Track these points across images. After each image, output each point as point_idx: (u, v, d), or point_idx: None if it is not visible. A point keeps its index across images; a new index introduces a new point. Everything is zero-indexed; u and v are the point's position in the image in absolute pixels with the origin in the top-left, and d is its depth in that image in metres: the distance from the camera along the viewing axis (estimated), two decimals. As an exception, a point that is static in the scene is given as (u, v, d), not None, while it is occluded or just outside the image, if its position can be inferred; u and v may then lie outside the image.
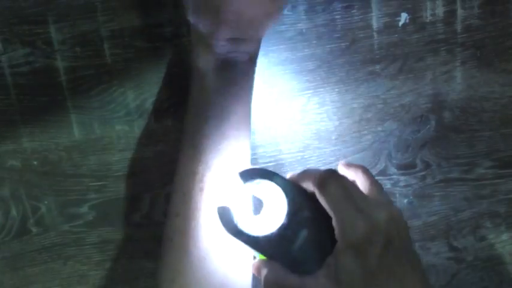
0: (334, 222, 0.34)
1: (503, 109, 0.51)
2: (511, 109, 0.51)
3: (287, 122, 0.50)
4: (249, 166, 0.43)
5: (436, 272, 0.55)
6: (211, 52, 0.40)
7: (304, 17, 0.47)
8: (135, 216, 0.50)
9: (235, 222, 0.36)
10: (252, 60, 0.43)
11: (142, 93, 0.48)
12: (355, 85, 0.49)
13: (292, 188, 0.36)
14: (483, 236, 0.54)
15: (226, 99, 0.41)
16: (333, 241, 0.34)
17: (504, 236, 0.55)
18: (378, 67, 0.49)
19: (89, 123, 0.48)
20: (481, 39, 0.49)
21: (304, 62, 0.48)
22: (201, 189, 0.41)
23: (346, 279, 0.33)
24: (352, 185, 0.36)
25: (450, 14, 0.49)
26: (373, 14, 0.48)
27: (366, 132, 0.51)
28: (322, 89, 0.49)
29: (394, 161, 0.51)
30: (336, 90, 0.49)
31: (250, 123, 0.43)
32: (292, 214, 0.36)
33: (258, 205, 0.40)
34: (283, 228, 0.36)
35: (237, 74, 0.42)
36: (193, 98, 0.43)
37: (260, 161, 0.50)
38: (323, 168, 0.37)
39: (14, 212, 0.49)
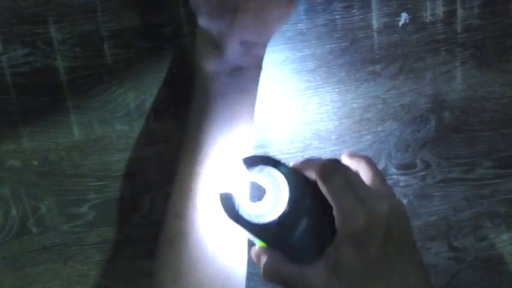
0: (335, 212, 0.34)
1: (503, 109, 0.51)
2: (511, 109, 0.51)
3: (287, 122, 0.50)
4: (252, 153, 0.43)
5: (436, 272, 0.55)
6: (221, 56, 0.40)
7: (304, 16, 0.47)
8: (135, 216, 0.50)
9: (236, 208, 0.35)
10: (260, 66, 0.43)
11: (142, 93, 0.48)
12: (355, 85, 0.49)
13: (295, 176, 0.36)
14: (483, 236, 0.54)
15: (232, 104, 0.41)
16: (334, 231, 0.34)
17: (504, 236, 0.55)
18: (378, 67, 0.49)
19: (89, 123, 0.48)
20: (481, 39, 0.49)
21: (304, 62, 0.48)
22: (202, 191, 0.41)
23: (346, 270, 0.33)
24: (355, 175, 0.36)
25: (450, 14, 0.49)
26: (373, 14, 0.48)
27: (365, 132, 0.51)
28: (322, 89, 0.49)
29: (394, 161, 0.51)
30: (336, 90, 0.49)
31: (253, 127, 0.43)
32: (293, 202, 0.36)
33: (260, 192, 0.40)
34: (284, 216, 0.35)
35: (245, 80, 0.41)
36: (197, 101, 0.42)
37: (260, 161, 0.50)
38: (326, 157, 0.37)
39: (14, 212, 0.49)
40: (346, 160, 0.40)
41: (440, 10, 0.48)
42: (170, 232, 0.42)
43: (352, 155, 0.40)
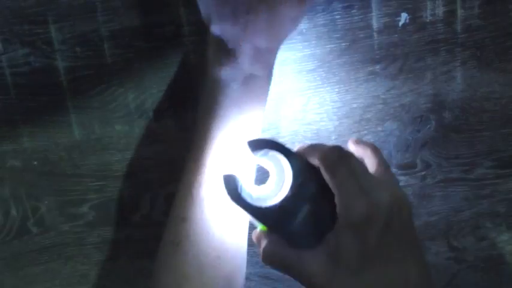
0: (336, 200, 0.34)
1: (503, 109, 0.51)
2: (511, 109, 0.51)
3: (287, 122, 0.50)
4: (257, 136, 0.42)
5: (436, 272, 0.55)
6: (234, 63, 0.40)
7: (304, 17, 0.47)
8: (135, 216, 0.50)
9: (239, 190, 0.35)
10: (271, 74, 0.43)
11: (142, 93, 0.48)
12: (355, 85, 0.49)
13: (299, 161, 0.36)
14: (483, 236, 0.54)
15: (242, 111, 0.41)
16: (334, 218, 0.34)
17: (504, 236, 0.55)
18: (378, 67, 0.49)
19: (89, 123, 0.48)
20: (481, 39, 0.49)
21: (304, 62, 0.48)
22: (209, 195, 0.41)
23: (344, 257, 0.33)
24: (359, 163, 0.35)
25: (450, 14, 0.49)
26: (373, 14, 0.48)
27: (365, 132, 0.51)
28: (322, 89, 0.49)
29: (394, 161, 0.51)
30: (336, 90, 0.49)
31: (260, 133, 0.43)
32: (296, 187, 0.36)
33: (263, 176, 0.40)
34: (286, 201, 0.35)
35: (256, 87, 0.41)
36: (204, 107, 0.42)
37: (260, 161, 0.50)
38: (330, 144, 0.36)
39: (14, 212, 0.49)
40: (351, 147, 0.40)
41: (440, 10, 0.48)
42: (177, 235, 0.41)
43: (358, 142, 0.40)
